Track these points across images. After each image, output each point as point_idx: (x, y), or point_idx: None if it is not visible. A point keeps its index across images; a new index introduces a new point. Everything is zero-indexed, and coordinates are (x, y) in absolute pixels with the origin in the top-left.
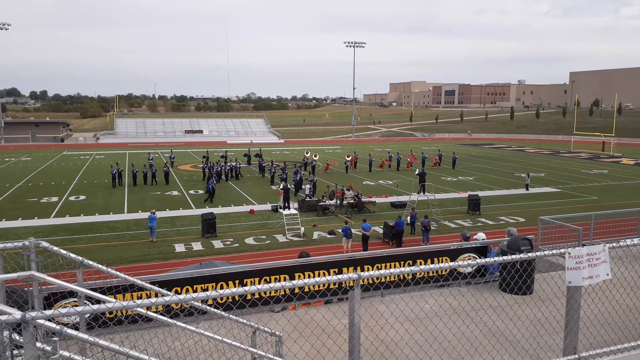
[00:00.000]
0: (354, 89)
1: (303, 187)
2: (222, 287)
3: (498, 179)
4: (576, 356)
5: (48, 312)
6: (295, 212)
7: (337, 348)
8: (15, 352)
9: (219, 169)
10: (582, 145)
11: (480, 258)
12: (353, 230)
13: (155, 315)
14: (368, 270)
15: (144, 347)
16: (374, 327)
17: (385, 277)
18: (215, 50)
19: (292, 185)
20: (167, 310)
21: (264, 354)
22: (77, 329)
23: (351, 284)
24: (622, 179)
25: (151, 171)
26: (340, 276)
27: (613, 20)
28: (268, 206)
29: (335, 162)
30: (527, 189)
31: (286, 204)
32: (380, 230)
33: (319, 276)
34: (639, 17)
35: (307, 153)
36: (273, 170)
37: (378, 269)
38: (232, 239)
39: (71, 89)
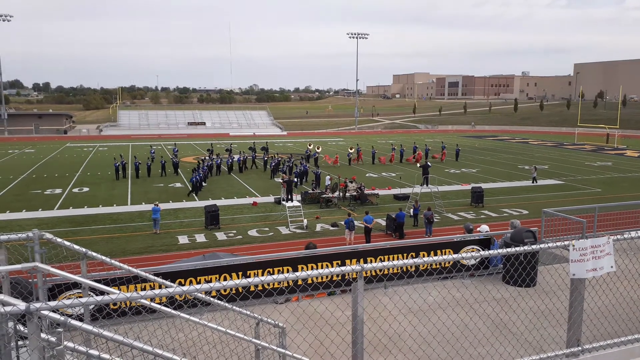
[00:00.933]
0: (356, 80)
1: (324, 180)
2: (225, 279)
3: (502, 171)
4: (579, 348)
5: (52, 304)
6: (298, 204)
7: (340, 340)
8: (20, 342)
9: (219, 161)
10: (586, 137)
11: (483, 250)
12: (356, 223)
13: (158, 306)
14: (371, 262)
15: (148, 338)
16: (377, 318)
17: (388, 269)
18: (218, 42)
19: (294, 177)
20: (171, 301)
21: (267, 345)
22: (81, 320)
23: (354, 275)
24: (626, 171)
25: (160, 162)
26: (343, 268)
27: (617, 12)
28: (271, 198)
29: (330, 159)
30: (534, 182)
31: (289, 196)
32: (383, 223)
33: (322, 268)
34: None
35: (310, 145)
36: (273, 164)
37: (381, 260)
38: (235, 231)
39: (74, 80)
